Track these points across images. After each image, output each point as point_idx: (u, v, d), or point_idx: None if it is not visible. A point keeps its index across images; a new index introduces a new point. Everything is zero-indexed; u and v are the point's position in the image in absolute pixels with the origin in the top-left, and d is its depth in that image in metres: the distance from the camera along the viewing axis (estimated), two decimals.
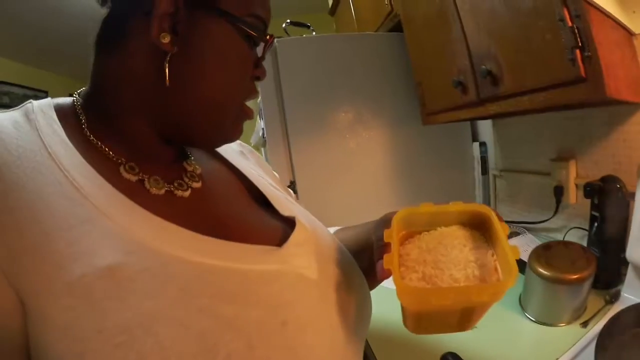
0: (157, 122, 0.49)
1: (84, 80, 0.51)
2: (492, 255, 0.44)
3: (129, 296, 0.36)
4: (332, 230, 0.77)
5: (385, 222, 0.56)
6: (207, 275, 0.41)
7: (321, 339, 0.47)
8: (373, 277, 0.65)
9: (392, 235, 0.45)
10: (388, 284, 0.70)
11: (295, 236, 0.54)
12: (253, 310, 0.42)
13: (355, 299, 0.57)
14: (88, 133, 0.47)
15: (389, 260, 0.43)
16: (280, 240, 0.53)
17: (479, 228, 0.49)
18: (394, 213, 0.50)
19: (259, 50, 0.54)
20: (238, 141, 0.75)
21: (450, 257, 0.44)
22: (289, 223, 0.58)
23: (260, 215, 0.59)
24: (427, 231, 0.49)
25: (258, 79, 0.55)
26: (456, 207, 0.48)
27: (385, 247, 0.46)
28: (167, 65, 0.45)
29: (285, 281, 0.47)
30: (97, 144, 0.47)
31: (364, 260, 0.63)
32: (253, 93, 0.55)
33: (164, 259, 0.40)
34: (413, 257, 0.45)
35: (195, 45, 0.46)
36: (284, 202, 0.63)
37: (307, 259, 0.53)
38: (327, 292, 0.52)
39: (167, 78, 0.45)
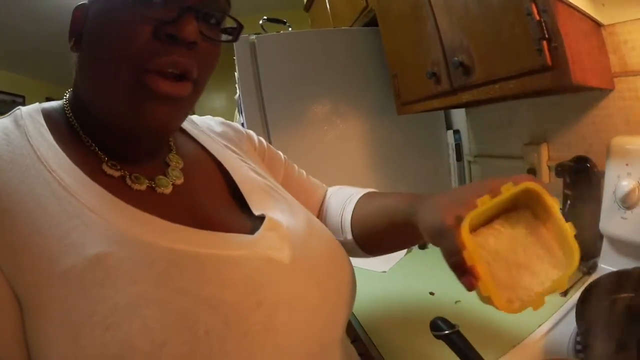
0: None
1: (61, 84, 0.54)
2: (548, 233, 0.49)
3: (115, 282, 0.39)
4: (346, 190, 0.84)
5: (431, 210, 0.54)
6: (184, 260, 0.45)
7: (297, 318, 0.50)
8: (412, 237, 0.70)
9: (472, 258, 0.45)
10: (364, 264, 0.71)
11: (266, 226, 0.56)
12: (227, 291, 0.46)
13: (335, 281, 0.60)
14: (81, 133, 0.51)
15: (485, 288, 0.44)
16: (253, 230, 0.56)
17: (526, 200, 0.50)
18: (442, 197, 0.54)
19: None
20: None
21: (531, 269, 0.48)
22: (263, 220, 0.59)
23: (236, 213, 0.61)
24: (489, 224, 0.51)
25: (172, 37, 0.45)
26: (509, 191, 0.47)
27: (464, 264, 0.45)
28: (77, 61, 0.51)
29: (255, 265, 0.50)
30: (87, 141, 0.51)
31: (396, 234, 0.69)
32: (161, 55, 0.45)
33: (144, 246, 0.43)
34: (490, 259, 0.48)
35: (88, 35, 0.49)
36: (261, 197, 0.63)
37: (278, 245, 0.55)
38: (301, 275, 0.54)
39: (79, 72, 0.50)
